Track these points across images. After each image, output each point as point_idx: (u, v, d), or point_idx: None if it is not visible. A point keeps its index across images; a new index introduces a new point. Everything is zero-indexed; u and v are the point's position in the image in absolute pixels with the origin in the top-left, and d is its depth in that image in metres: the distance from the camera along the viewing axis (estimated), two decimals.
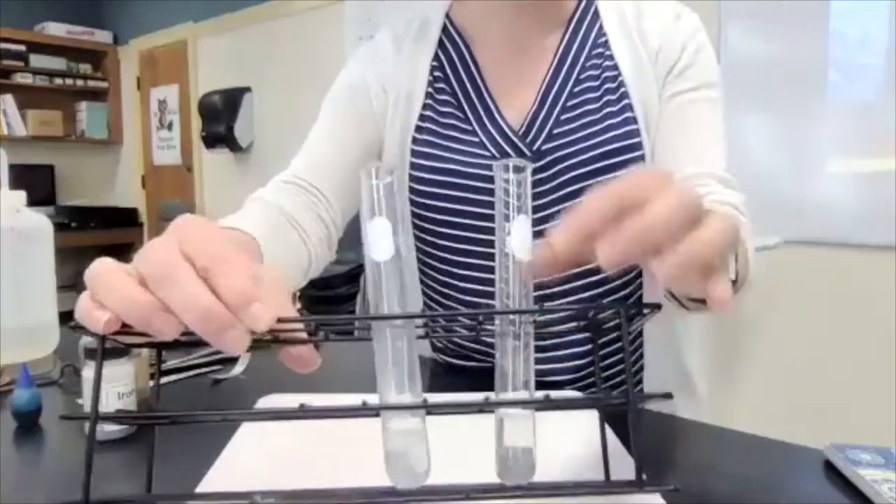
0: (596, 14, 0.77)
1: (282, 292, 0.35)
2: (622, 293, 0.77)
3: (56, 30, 4.82)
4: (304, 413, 0.33)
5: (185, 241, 0.33)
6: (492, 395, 0.37)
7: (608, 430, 0.48)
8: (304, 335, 0.35)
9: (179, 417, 0.36)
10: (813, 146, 2.02)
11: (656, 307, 0.36)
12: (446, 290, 0.81)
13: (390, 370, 0.35)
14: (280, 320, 0.33)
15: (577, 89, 0.74)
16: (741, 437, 0.59)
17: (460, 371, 0.82)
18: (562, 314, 0.43)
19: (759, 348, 2.19)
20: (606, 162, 0.71)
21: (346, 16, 3.34)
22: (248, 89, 4.01)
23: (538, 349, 0.75)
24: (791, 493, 0.49)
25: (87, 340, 0.60)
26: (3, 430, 0.61)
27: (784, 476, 0.52)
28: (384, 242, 0.34)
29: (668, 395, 0.36)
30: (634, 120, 0.72)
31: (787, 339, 2.13)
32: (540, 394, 0.37)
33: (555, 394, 0.38)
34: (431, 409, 0.34)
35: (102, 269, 0.33)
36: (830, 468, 0.51)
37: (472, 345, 0.80)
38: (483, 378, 0.78)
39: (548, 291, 0.74)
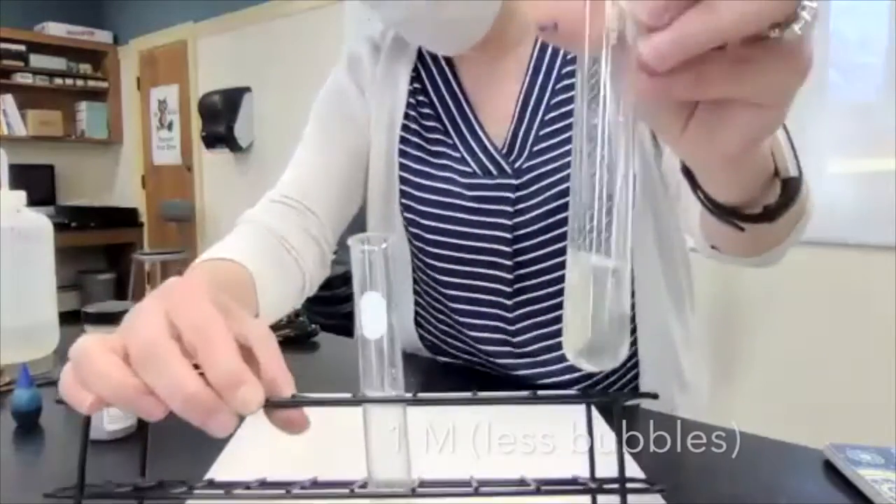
0: None
1: (271, 350, 0.35)
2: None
3: (56, 30, 4.82)
4: (289, 486, 0.33)
5: (172, 311, 0.33)
6: (479, 476, 0.35)
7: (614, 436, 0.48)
8: (293, 389, 0.35)
9: (168, 485, 0.36)
10: (813, 146, 2.02)
11: (651, 396, 0.35)
12: (436, 297, 0.81)
13: (378, 448, 0.34)
14: (268, 400, 0.32)
15: (553, 101, 0.72)
16: (741, 437, 0.59)
17: (454, 370, 0.83)
18: (555, 397, 0.41)
19: (759, 348, 2.19)
20: None
21: (346, 16, 3.34)
22: (247, 89, 4.02)
23: (542, 352, 0.75)
24: (791, 493, 0.49)
25: None
26: (3, 430, 0.61)
27: (784, 476, 0.52)
28: (377, 319, 0.32)
29: (662, 489, 0.35)
30: None
31: (787, 339, 2.13)
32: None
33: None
34: (418, 494, 0.33)
35: (87, 348, 0.32)
36: (830, 468, 0.51)
37: (467, 346, 0.80)
38: (476, 377, 0.78)
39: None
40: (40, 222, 0.83)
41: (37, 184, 4.66)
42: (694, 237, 0.58)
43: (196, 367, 0.32)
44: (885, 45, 1.90)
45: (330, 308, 2.28)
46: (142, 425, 0.60)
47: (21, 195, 0.81)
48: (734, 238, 0.49)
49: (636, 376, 0.77)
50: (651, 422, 0.60)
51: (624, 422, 0.56)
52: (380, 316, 0.32)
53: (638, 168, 0.70)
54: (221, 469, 0.50)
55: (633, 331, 0.76)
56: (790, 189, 0.39)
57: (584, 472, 0.38)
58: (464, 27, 0.70)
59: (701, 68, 0.24)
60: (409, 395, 0.33)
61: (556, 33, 0.25)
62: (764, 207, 0.39)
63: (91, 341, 0.33)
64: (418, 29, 0.72)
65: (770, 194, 0.39)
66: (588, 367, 0.28)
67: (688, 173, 0.38)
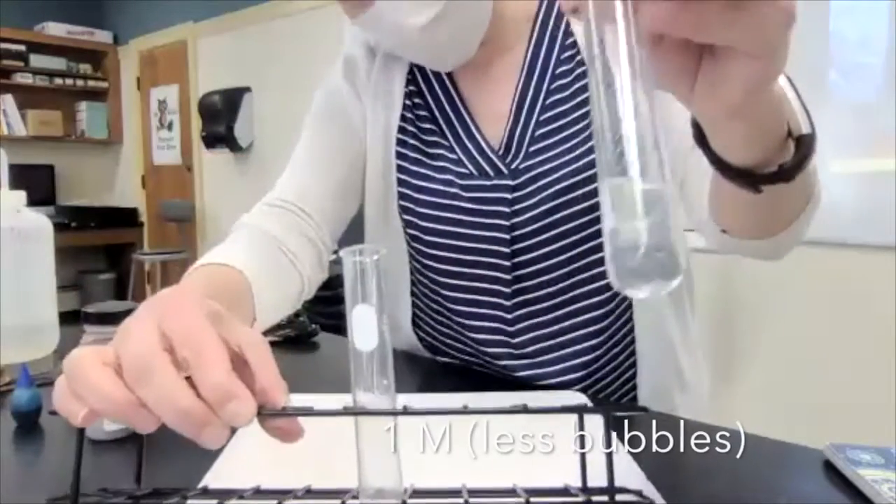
0: (561, 12, 0.74)
1: (264, 358, 0.35)
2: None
3: (56, 30, 4.82)
4: (282, 495, 0.33)
5: (165, 322, 0.33)
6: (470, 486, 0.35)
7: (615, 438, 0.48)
8: (286, 397, 0.35)
9: (164, 493, 0.36)
10: None
11: (642, 410, 0.35)
12: (435, 298, 0.81)
13: (370, 457, 0.34)
14: (260, 411, 0.33)
15: (549, 101, 0.72)
16: (741, 437, 0.58)
17: (454, 371, 0.83)
18: (548, 411, 0.41)
19: (759, 348, 2.19)
20: (584, 175, 0.69)
21: (346, 16, 3.34)
22: (247, 89, 4.02)
23: (542, 352, 0.75)
24: (791, 493, 0.49)
25: (87, 340, 0.60)
26: (3, 430, 0.61)
27: (784, 476, 0.52)
28: (368, 331, 0.33)
29: (651, 502, 0.35)
30: None
31: (787, 339, 2.13)
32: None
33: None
34: (408, 503, 0.33)
35: (80, 361, 0.32)
36: (830, 468, 0.51)
37: (466, 347, 0.80)
38: (475, 377, 0.78)
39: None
40: (40, 222, 0.83)
41: (37, 184, 4.67)
42: (702, 228, 0.58)
43: (188, 377, 0.32)
44: (885, 45, 1.90)
45: (330, 308, 2.27)
46: (137, 433, 0.60)
47: (21, 195, 0.81)
48: (747, 212, 0.49)
49: (634, 375, 0.77)
50: (654, 422, 0.60)
51: (614, 433, 0.56)
52: (371, 328, 0.33)
53: None
54: (217, 476, 0.50)
55: (631, 330, 0.76)
56: (804, 146, 0.40)
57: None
58: (456, 46, 0.71)
59: (699, 8, 0.27)
60: (399, 407, 0.34)
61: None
62: (779, 166, 0.40)
63: (84, 353, 0.33)
64: (412, 53, 0.74)
65: (784, 156, 0.41)
66: (635, 292, 0.26)
67: (701, 142, 0.39)
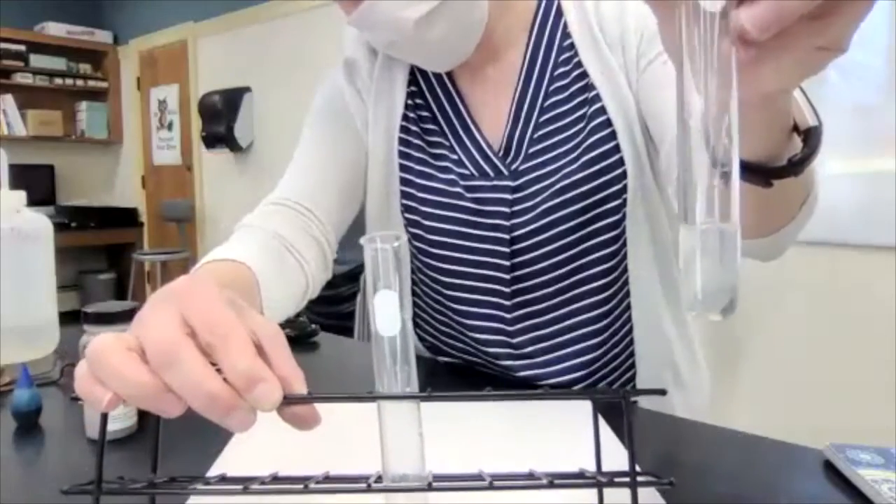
0: (559, 13, 0.74)
1: (281, 347, 0.35)
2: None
3: (56, 30, 4.82)
4: (305, 481, 0.33)
5: (186, 311, 0.33)
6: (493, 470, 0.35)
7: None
8: (303, 388, 0.35)
9: (182, 481, 0.36)
10: None
11: (659, 392, 0.35)
12: (437, 298, 0.81)
13: (394, 445, 0.34)
14: (285, 397, 0.33)
15: (547, 104, 0.72)
16: (741, 437, 0.59)
17: (455, 371, 0.83)
18: (563, 395, 0.41)
19: (759, 348, 2.19)
20: (582, 175, 0.69)
21: (343, 12, 3.34)
22: (247, 89, 4.02)
23: (541, 352, 0.75)
24: (791, 493, 0.49)
25: (86, 340, 0.60)
26: (3, 430, 0.61)
27: (784, 476, 0.52)
28: (391, 317, 0.33)
29: (671, 482, 0.35)
30: (609, 123, 0.69)
31: (787, 339, 2.13)
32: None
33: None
34: (434, 489, 0.33)
35: (104, 348, 0.32)
36: (830, 468, 0.51)
37: (467, 347, 0.80)
38: (476, 377, 0.78)
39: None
40: (40, 222, 0.83)
41: (37, 184, 4.67)
42: None
43: (211, 361, 0.32)
44: (885, 45, 1.90)
45: (330, 308, 2.28)
46: (142, 416, 0.60)
47: (21, 195, 0.81)
48: (749, 210, 0.49)
49: (634, 376, 0.77)
50: (672, 423, 0.60)
51: (608, 423, 0.56)
52: (393, 314, 0.33)
53: (631, 169, 0.69)
54: (224, 466, 0.50)
55: (630, 330, 0.76)
56: (812, 139, 0.40)
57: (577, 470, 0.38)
58: (452, 45, 0.71)
59: (789, 30, 0.25)
60: (422, 395, 0.34)
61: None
62: (789, 160, 0.40)
63: (107, 340, 0.33)
64: (407, 50, 0.73)
65: (789, 150, 0.40)
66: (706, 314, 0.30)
67: None
